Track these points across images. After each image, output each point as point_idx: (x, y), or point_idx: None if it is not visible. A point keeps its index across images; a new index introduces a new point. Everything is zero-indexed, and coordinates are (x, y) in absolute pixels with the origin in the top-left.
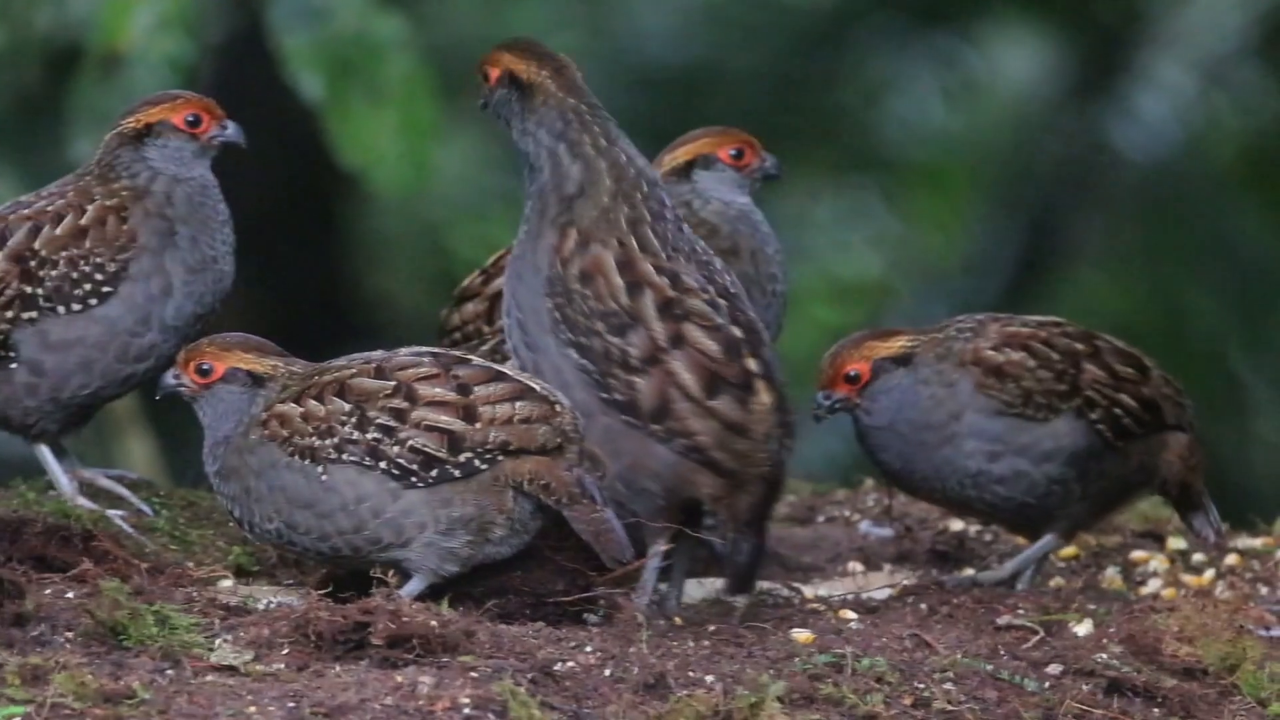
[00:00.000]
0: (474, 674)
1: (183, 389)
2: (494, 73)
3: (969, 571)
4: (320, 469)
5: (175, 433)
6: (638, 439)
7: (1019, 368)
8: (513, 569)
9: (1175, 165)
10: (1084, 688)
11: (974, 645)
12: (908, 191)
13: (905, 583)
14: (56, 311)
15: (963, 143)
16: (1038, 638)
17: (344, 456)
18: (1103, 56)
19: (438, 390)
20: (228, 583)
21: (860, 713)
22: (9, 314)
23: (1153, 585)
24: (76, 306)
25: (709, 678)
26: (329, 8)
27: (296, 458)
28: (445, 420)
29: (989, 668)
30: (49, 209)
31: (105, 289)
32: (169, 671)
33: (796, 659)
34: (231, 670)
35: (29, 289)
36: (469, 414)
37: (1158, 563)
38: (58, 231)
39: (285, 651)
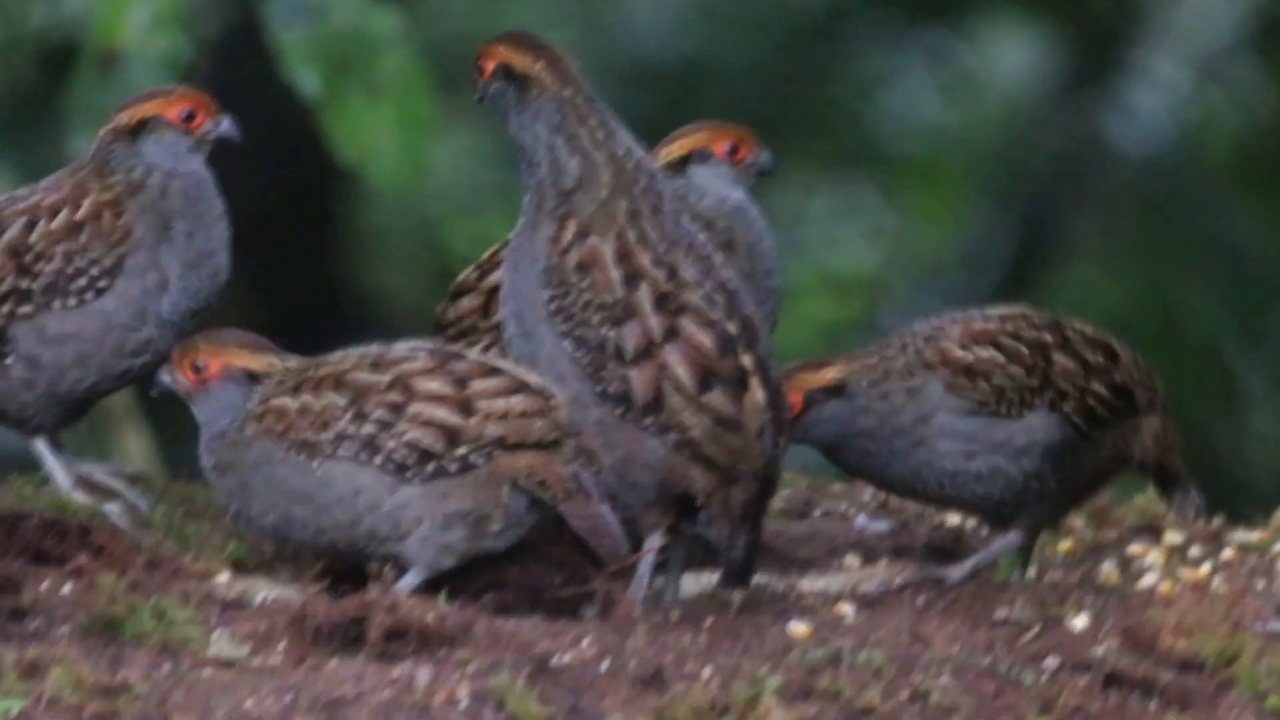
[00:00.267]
0: (471, 668)
1: (178, 386)
2: (489, 66)
3: (952, 568)
4: (316, 463)
5: (172, 427)
6: (630, 432)
7: (989, 365)
8: (510, 563)
9: (1170, 160)
10: (1081, 681)
11: (971, 639)
12: (902, 186)
13: (899, 579)
14: (52, 306)
15: (957, 137)
16: (1035, 631)
17: (340, 451)
18: (1097, 51)
19: (434, 385)
20: (225, 577)
21: (857, 706)
22: (4, 309)
23: (1150, 579)
24: (73, 301)
25: (706, 671)
26: (325, 3)
27: (293, 452)
28: (442, 415)
29: (986, 661)
30: (44, 203)
31: (101, 284)
32: (166, 665)
33: (793, 652)
34: (229, 664)
35: (25, 283)
36: (465, 408)
37: (1155, 557)
38: (53, 226)
39: (282, 645)
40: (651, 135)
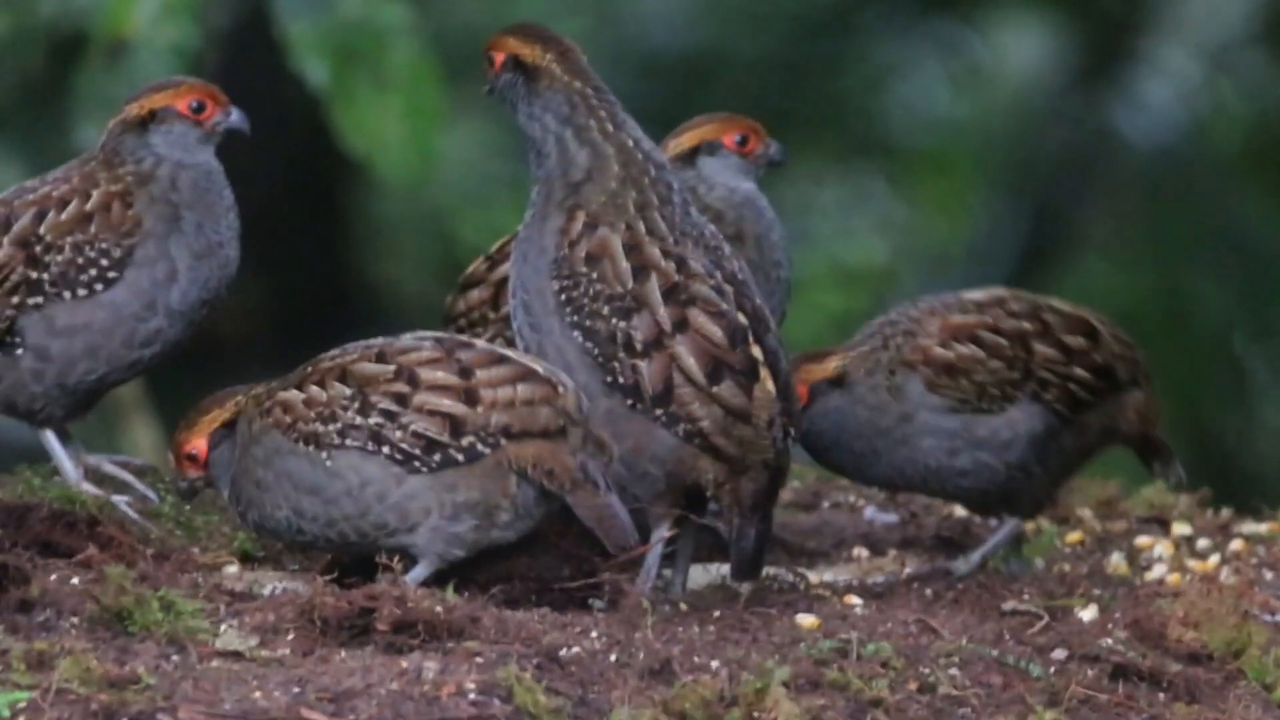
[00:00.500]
0: (479, 659)
1: (196, 481)
2: (499, 57)
3: (960, 560)
4: (325, 454)
5: (180, 418)
6: (640, 423)
7: (970, 361)
8: (518, 555)
9: (1180, 152)
10: (1089, 673)
11: (979, 630)
12: (912, 178)
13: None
14: (62, 297)
15: (967, 129)
16: (1043, 623)
17: (347, 442)
18: (1107, 43)
19: (439, 374)
20: (233, 568)
21: (865, 698)
22: (15, 300)
23: (1158, 570)
24: (82, 292)
25: (714, 663)
26: None
27: (301, 444)
28: (447, 404)
29: (994, 653)
30: (54, 194)
31: (111, 274)
32: (174, 657)
33: (802, 644)
34: (237, 655)
35: (34, 274)
36: (470, 397)
37: (1163, 548)
38: (63, 217)
39: (290, 637)
40: (661, 127)
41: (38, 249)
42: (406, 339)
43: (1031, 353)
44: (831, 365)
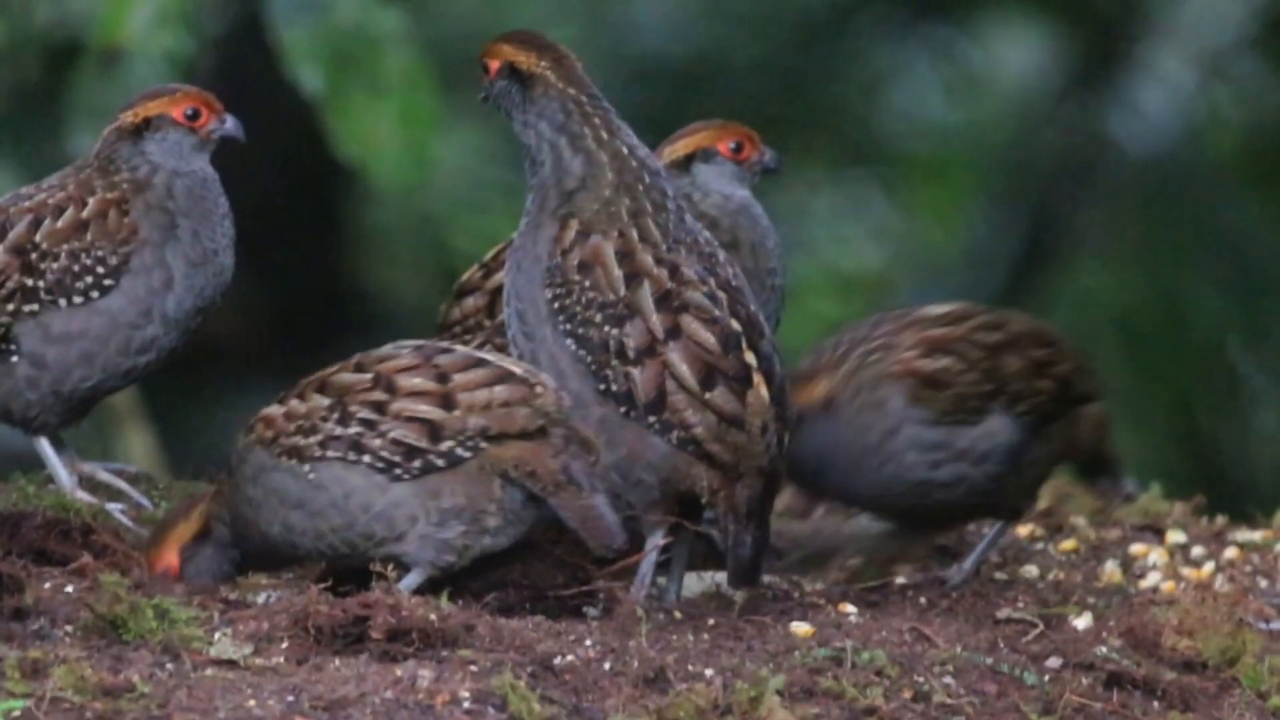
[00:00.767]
0: (473, 668)
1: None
2: (494, 64)
3: (954, 568)
4: (307, 467)
5: (175, 426)
6: (634, 430)
7: (949, 373)
8: (512, 563)
9: (1175, 158)
10: (1083, 681)
11: (974, 639)
12: (908, 184)
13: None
14: (58, 304)
15: (963, 135)
16: (1037, 631)
17: (329, 453)
18: (1102, 49)
19: (416, 380)
20: None
21: (860, 706)
22: (10, 307)
23: (1152, 579)
24: (78, 299)
25: (708, 671)
26: (328, 1)
27: (284, 458)
28: (424, 410)
29: (989, 661)
30: (50, 201)
31: (107, 282)
32: (169, 665)
33: (796, 652)
34: (231, 664)
35: (30, 282)
36: (448, 402)
37: (1157, 556)
38: (59, 224)
39: (285, 645)
40: (656, 133)
41: (33, 256)
42: (386, 348)
43: (1001, 364)
44: (819, 390)
